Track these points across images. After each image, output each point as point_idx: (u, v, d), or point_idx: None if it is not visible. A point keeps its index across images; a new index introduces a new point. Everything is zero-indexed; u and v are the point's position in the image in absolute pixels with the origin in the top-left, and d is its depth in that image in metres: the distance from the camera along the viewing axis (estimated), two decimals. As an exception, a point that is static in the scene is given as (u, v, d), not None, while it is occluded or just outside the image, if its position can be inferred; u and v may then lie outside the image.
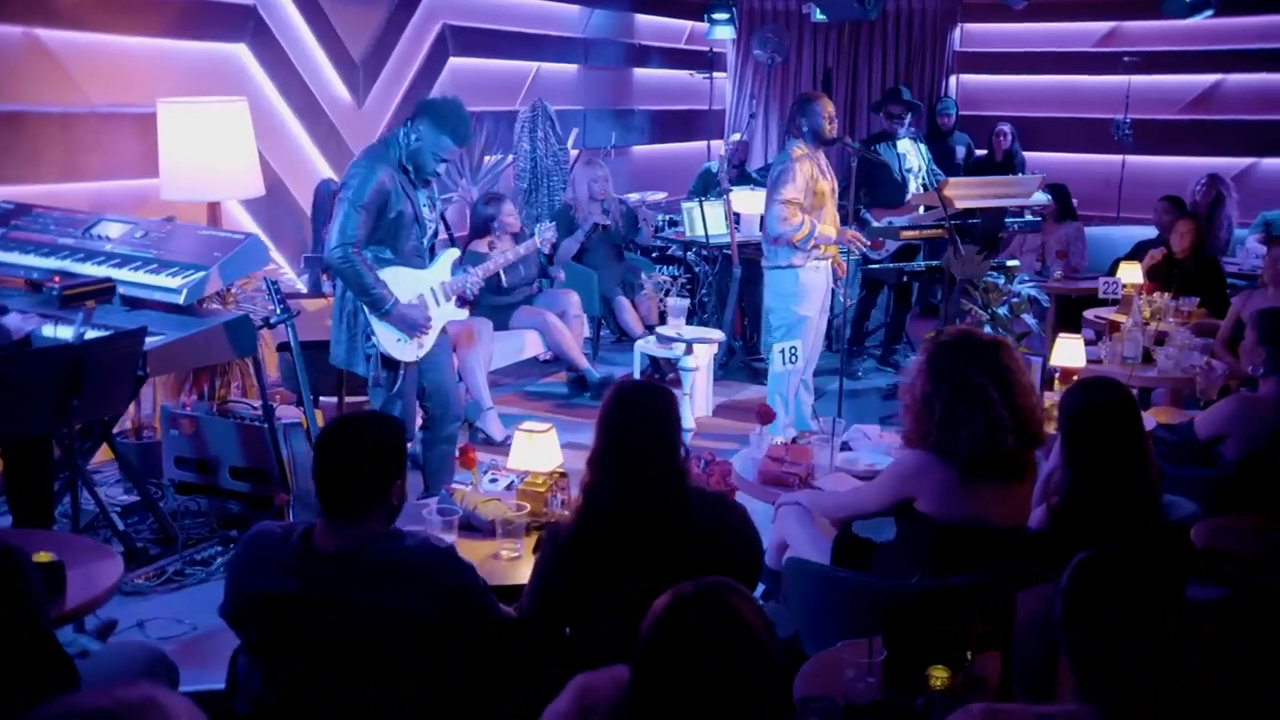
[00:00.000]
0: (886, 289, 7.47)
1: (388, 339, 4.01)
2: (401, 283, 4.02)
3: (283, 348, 4.44)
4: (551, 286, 6.60)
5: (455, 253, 4.26)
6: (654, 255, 7.88)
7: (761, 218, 7.50)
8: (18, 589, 1.95)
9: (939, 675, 2.27)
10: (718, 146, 10.24)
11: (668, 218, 8.15)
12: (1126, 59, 9.25)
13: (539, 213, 7.49)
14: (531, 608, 2.46)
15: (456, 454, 3.49)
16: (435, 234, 4.14)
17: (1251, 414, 3.71)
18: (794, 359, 4.24)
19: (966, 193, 6.27)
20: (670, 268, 7.72)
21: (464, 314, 4.34)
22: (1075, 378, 4.57)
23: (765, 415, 3.70)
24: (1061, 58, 10.20)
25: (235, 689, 2.42)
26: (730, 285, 6.99)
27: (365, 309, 3.97)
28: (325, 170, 6.65)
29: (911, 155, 7.18)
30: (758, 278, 7.15)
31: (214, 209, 5.28)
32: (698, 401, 5.40)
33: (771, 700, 1.58)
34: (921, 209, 6.71)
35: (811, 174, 5.21)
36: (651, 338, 6.36)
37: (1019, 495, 2.95)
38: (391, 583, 2.20)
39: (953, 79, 10.58)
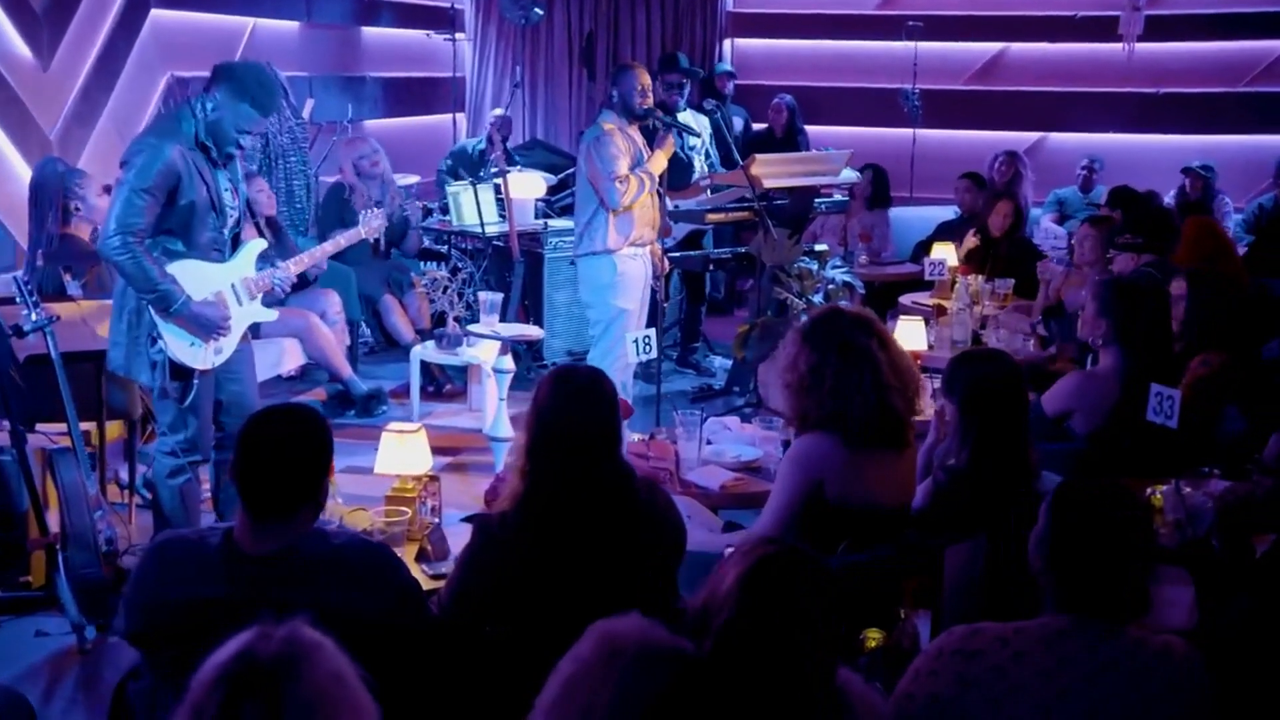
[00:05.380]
0: (679, 280, 8.15)
1: (178, 344, 4.21)
2: (194, 278, 4.22)
3: (35, 360, 4.52)
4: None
5: (261, 244, 4.50)
6: (417, 252, 8.23)
7: (538, 203, 8.04)
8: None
9: (874, 636, 2.87)
10: (465, 121, 10.66)
11: (422, 205, 8.51)
12: (910, 24, 10.43)
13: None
14: (456, 607, 2.86)
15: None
16: (239, 223, 4.37)
17: (1093, 389, 4.56)
18: (649, 348, 4.78)
19: (774, 170, 7.03)
20: (432, 263, 8.09)
21: (272, 314, 4.59)
22: (919, 361, 5.38)
23: (624, 410, 4.20)
24: (841, 21, 11.32)
25: (129, 721, 2.69)
26: (512, 281, 7.46)
27: (150, 308, 4.16)
28: (7, 149, 6.60)
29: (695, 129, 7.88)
30: (539, 271, 7.68)
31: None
32: (504, 413, 5.83)
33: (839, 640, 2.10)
34: (709, 191, 7.42)
35: (627, 147, 5.81)
36: (430, 343, 6.72)
37: (905, 467, 3.61)
38: (331, 581, 2.55)
39: (726, 43, 11.52)
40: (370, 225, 5.08)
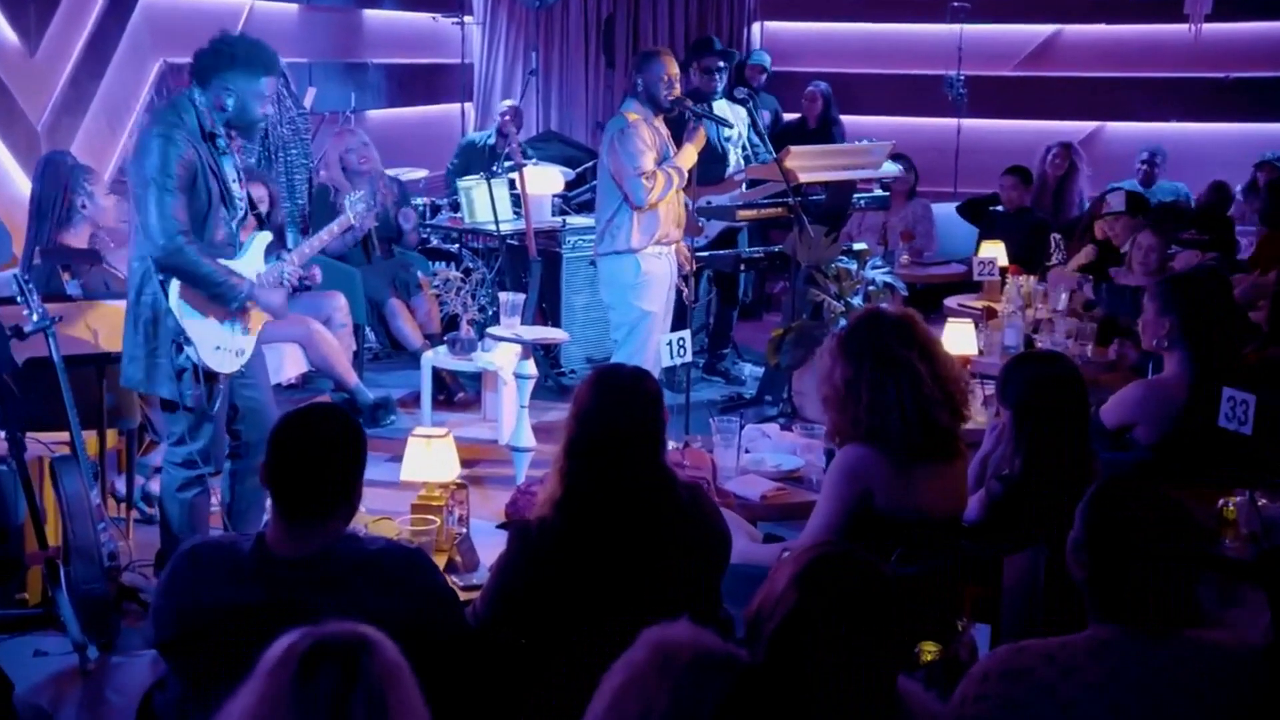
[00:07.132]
0: (708, 282, 8.29)
1: (205, 347, 4.35)
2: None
3: (33, 364, 4.67)
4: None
5: (267, 237, 4.65)
6: (417, 247, 8.38)
7: (555, 199, 8.20)
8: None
9: (929, 649, 3.01)
10: (473, 111, 10.81)
11: (430, 201, 8.67)
12: (955, 5, 10.55)
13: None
14: (492, 613, 3.01)
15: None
16: (245, 215, 4.53)
17: (1158, 398, 4.67)
18: (683, 352, 4.93)
19: (810, 164, 7.17)
20: (441, 262, 8.24)
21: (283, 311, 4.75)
22: (968, 366, 5.51)
23: (661, 416, 4.35)
24: (879, 1, 11.45)
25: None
26: (528, 282, 7.62)
27: (177, 314, 4.28)
28: (-6, 143, 6.79)
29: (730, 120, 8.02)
30: (556, 272, 7.83)
31: None
32: (525, 421, 5.98)
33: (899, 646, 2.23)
34: (745, 185, 7.55)
35: (653, 140, 5.96)
36: (441, 348, 6.86)
37: (956, 478, 3.74)
38: (367, 586, 2.71)
39: (755, 27, 11.67)
40: (356, 210, 5.12)
